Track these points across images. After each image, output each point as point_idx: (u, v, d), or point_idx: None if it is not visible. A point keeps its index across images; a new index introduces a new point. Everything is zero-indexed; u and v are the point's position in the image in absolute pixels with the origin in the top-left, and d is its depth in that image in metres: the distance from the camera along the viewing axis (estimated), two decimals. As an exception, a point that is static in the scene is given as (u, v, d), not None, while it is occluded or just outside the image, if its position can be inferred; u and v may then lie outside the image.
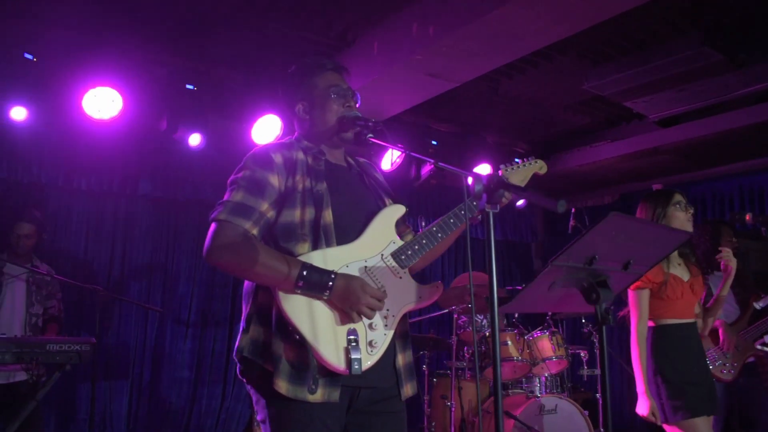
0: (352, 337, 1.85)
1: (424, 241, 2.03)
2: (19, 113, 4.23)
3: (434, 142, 5.87)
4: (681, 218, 3.05)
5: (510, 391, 5.26)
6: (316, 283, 1.82)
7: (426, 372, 5.24)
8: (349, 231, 1.98)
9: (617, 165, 6.02)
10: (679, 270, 3.09)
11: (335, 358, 1.81)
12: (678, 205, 3.06)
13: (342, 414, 1.91)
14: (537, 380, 5.17)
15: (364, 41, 4.23)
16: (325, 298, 1.85)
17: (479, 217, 2.13)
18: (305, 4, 3.88)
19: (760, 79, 4.39)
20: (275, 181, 1.95)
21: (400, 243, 2.03)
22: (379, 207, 2.09)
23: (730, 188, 6.13)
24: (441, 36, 3.59)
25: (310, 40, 4.34)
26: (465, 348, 5.28)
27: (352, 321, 1.87)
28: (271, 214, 1.93)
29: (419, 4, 3.72)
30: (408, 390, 2.04)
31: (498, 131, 6.09)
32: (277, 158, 1.98)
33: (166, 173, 5.30)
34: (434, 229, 2.06)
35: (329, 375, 1.84)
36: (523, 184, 2.33)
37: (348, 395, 1.91)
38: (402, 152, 2.05)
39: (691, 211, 3.09)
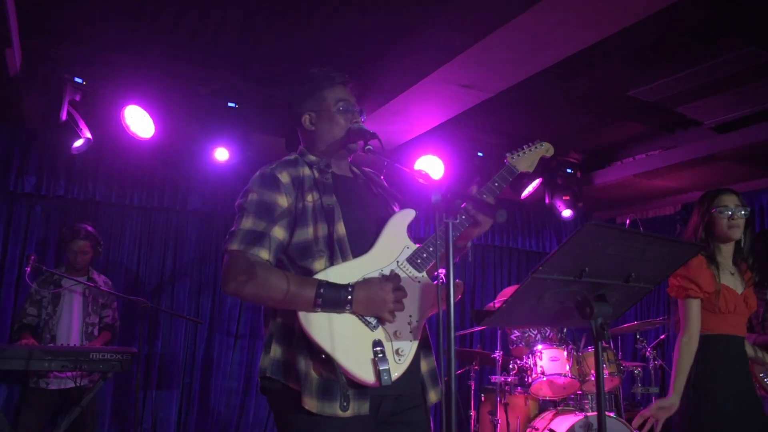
0: (378, 348, 1.84)
1: (438, 242, 1.97)
2: (78, 143, 4.46)
3: (480, 154, 5.79)
4: (722, 225, 2.79)
5: (559, 408, 5.09)
6: (335, 299, 1.82)
7: (473, 387, 5.13)
8: (362, 242, 1.97)
9: (674, 173, 5.75)
10: (731, 280, 2.80)
11: (364, 372, 1.80)
12: (720, 210, 2.78)
13: (370, 425, 1.89)
14: (587, 397, 4.97)
15: (394, 54, 4.24)
16: (348, 311, 1.84)
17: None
18: (336, 19, 3.91)
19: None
20: (284, 201, 1.93)
21: (414, 247, 2.00)
22: (388, 214, 2.08)
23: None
24: (467, 45, 3.54)
25: (341, 56, 4.39)
26: (511, 363, 5.16)
27: (378, 327, 1.87)
28: (283, 236, 1.92)
29: (444, 14, 3.69)
30: (433, 396, 2.02)
31: (547, 141, 5.93)
32: (284, 177, 1.96)
33: (213, 189, 5.47)
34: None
35: (358, 387, 1.82)
36: (531, 169, 2.29)
37: (376, 406, 1.88)
38: (386, 163, 2.01)
39: (739, 215, 2.77)
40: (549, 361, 4.96)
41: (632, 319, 6.29)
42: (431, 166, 5.41)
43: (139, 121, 4.50)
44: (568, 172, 6.13)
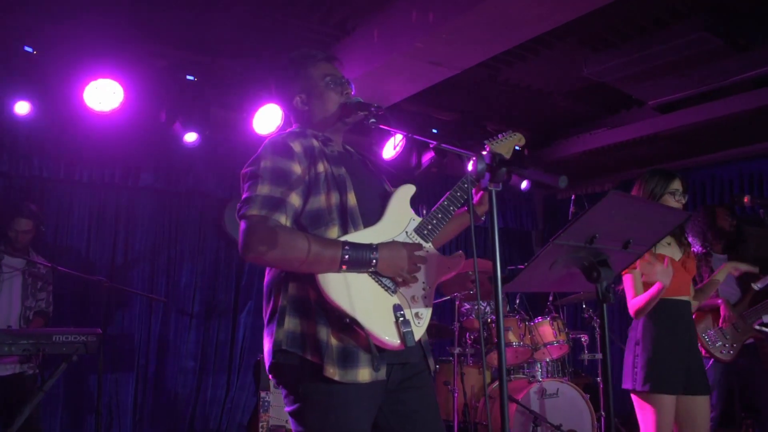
0: (399, 312, 1.89)
1: (440, 215, 2.07)
2: (22, 108, 4.25)
3: (435, 131, 5.90)
4: (671, 205, 3.04)
5: (512, 376, 5.31)
6: (361, 258, 1.85)
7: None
8: (369, 213, 2.01)
9: (616, 152, 6.05)
10: (668, 249, 3.09)
11: (390, 335, 1.85)
12: (673, 195, 3.05)
13: (383, 392, 1.93)
14: (538, 365, 5.23)
15: (364, 30, 4.25)
16: (372, 270, 1.88)
17: (481, 191, 2.20)
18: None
19: (760, 63, 4.41)
20: (298, 169, 1.94)
21: (419, 220, 2.07)
22: (386, 189, 2.15)
23: (729, 174, 6.15)
24: (441, 23, 3.61)
25: (309, 28, 4.36)
26: (467, 334, 5.33)
27: (397, 292, 1.92)
28: (298, 203, 1.93)
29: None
30: (432, 364, 2.09)
31: (498, 119, 6.12)
32: (296, 146, 1.98)
33: (167, 165, 5.33)
34: (445, 203, 2.09)
35: (379, 352, 1.86)
36: (508, 156, 2.36)
37: (387, 373, 1.92)
38: (404, 136, 2.06)
39: (683, 201, 3.09)
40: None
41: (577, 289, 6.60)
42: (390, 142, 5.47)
43: (97, 96, 4.32)
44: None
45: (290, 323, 1.89)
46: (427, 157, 5.56)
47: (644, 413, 2.95)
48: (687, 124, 5.31)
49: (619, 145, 5.81)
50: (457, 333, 5.25)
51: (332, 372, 1.80)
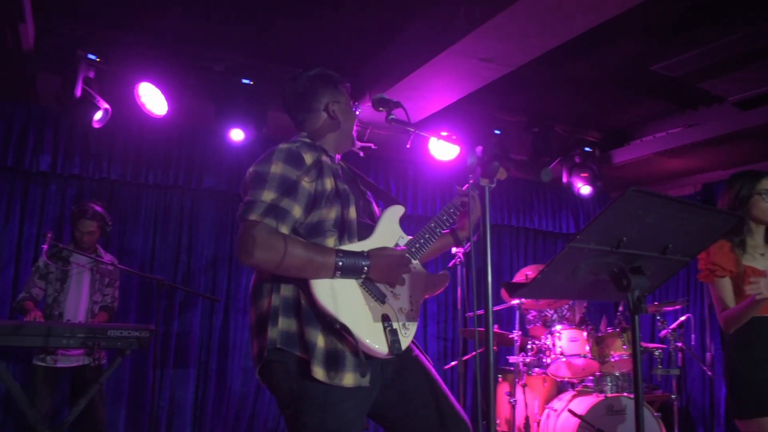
0: (387, 322, 1.98)
1: (427, 236, 2.17)
2: (98, 115, 4.41)
3: (497, 132, 5.71)
4: (762, 208, 2.80)
5: (577, 389, 5.04)
6: (353, 265, 1.94)
7: (481, 370, 5.07)
8: (363, 227, 2.10)
9: (695, 152, 5.64)
10: (762, 261, 2.79)
11: (380, 343, 1.93)
12: (762, 195, 2.79)
13: (375, 389, 1.99)
14: (607, 379, 4.92)
15: (411, 29, 4.16)
16: (364, 276, 1.97)
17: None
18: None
19: None
20: (306, 183, 1.98)
21: (407, 238, 2.17)
22: (373, 208, 2.27)
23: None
24: (488, 17, 3.45)
25: (357, 29, 4.31)
26: (529, 343, 5.11)
27: (385, 303, 2.01)
28: (300, 214, 1.97)
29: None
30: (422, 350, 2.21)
31: (566, 120, 5.85)
32: (308, 158, 2.02)
33: (228, 167, 5.44)
34: (432, 224, 2.19)
35: (366, 359, 1.92)
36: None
37: (378, 371, 2.00)
38: (412, 133, 2.02)
39: None
40: (568, 342, 4.91)
41: (650, 300, 6.21)
42: (446, 145, 5.34)
43: (153, 99, 4.45)
44: (587, 151, 6.04)
45: (284, 323, 1.92)
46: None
47: None
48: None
49: (696, 144, 5.40)
50: (518, 342, 5.05)
51: (319, 373, 1.86)
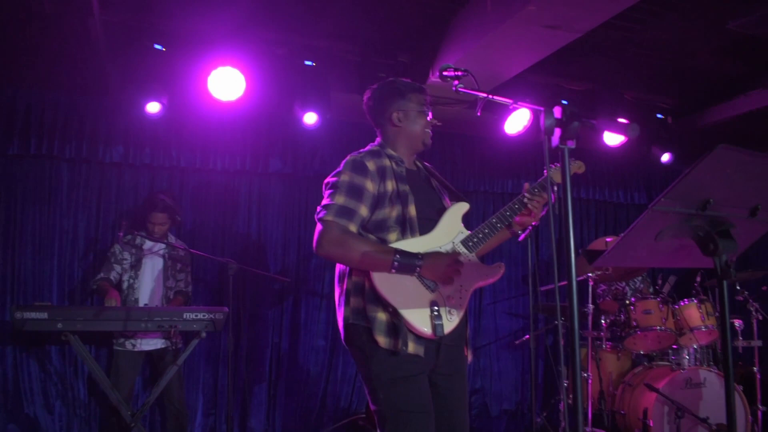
0: (435, 307, 2.29)
1: (486, 230, 2.46)
2: (153, 107, 4.53)
3: (565, 102, 5.55)
4: None
5: (654, 363, 4.92)
6: (407, 264, 2.25)
7: (563, 343, 4.99)
8: (426, 223, 2.41)
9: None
10: None
11: (423, 324, 2.26)
12: None
13: (429, 364, 2.33)
14: (684, 352, 4.77)
15: (474, 2, 4.07)
16: (417, 274, 2.28)
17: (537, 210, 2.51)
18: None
19: None
20: (370, 186, 2.34)
21: (467, 233, 2.46)
22: (444, 204, 2.55)
23: None
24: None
25: (424, 3, 4.26)
26: (602, 317, 5.00)
27: (436, 290, 2.31)
28: (366, 213, 2.34)
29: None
30: (469, 355, 2.53)
31: (636, 86, 5.63)
32: (371, 166, 2.37)
33: (293, 150, 5.50)
34: (494, 220, 2.47)
35: (417, 335, 2.28)
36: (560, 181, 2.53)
37: (433, 349, 2.34)
38: (483, 98, 2.03)
39: None
40: (642, 314, 4.78)
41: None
42: (516, 116, 5.24)
43: (221, 85, 4.51)
44: (659, 118, 5.82)
45: (354, 302, 2.34)
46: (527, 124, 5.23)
47: None
48: None
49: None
50: (590, 315, 4.95)
51: (380, 339, 2.25)
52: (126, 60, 4.46)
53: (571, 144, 1.37)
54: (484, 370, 6.16)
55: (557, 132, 1.35)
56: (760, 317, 5.01)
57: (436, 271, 2.29)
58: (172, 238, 4.65)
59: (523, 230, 2.58)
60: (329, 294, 5.74)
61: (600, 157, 6.34)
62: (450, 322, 2.31)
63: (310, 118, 4.77)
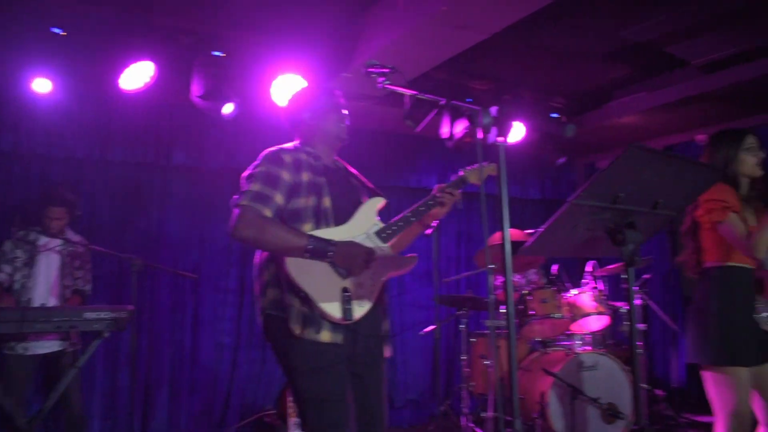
0: (345, 293, 2.35)
1: (401, 224, 2.55)
2: (42, 85, 4.27)
3: (469, 100, 5.73)
4: (750, 163, 2.87)
5: (549, 348, 5.20)
6: (320, 249, 2.32)
7: (464, 332, 5.18)
8: (342, 215, 2.48)
9: (659, 115, 5.80)
10: (746, 213, 2.85)
11: (333, 309, 2.32)
12: (749, 150, 2.88)
13: (346, 353, 2.40)
14: (577, 337, 5.10)
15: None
16: (328, 260, 2.34)
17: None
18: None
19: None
20: (286, 176, 2.42)
21: (381, 225, 2.54)
22: (361, 199, 2.62)
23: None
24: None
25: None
26: (500, 307, 5.23)
27: (348, 278, 2.36)
28: (282, 201, 2.40)
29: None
30: (387, 351, 2.59)
31: (535, 87, 5.91)
32: (287, 158, 2.47)
33: (198, 142, 5.36)
34: (408, 214, 2.58)
35: (333, 321, 2.33)
36: (479, 183, 2.75)
37: (351, 338, 2.41)
38: (411, 96, 2.11)
39: (762, 155, 2.90)
40: (539, 303, 5.05)
41: (616, 260, 6.41)
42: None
43: (126, 73, 4.32)
44: (553, 117, 6.14)
45: (271, 293, 2.42)
46: (461, 126, 5.41)
47: (719, 388, 2.77)
48: (733, 83, 5.02)
49: (660, 108, 5.55)
50: (491, 306, 5.16)
51: (295, 328, 2.31)
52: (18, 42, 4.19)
53: (505, 142, 1.45)
54: (389, 361, 6.27)
55: (494, 130, 1.42)
56: (642, 303, 5.44)
57: (349, 258, 2.35)
58: (70, 234, 4.40)
59: (431, 222, 2.71)
60: (235, 290, 5.65)
61: (497, 153, 6.59)
62: (361, 308, 2.38)
63: (224, 109, 4.67)
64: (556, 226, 1.82)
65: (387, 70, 2.35)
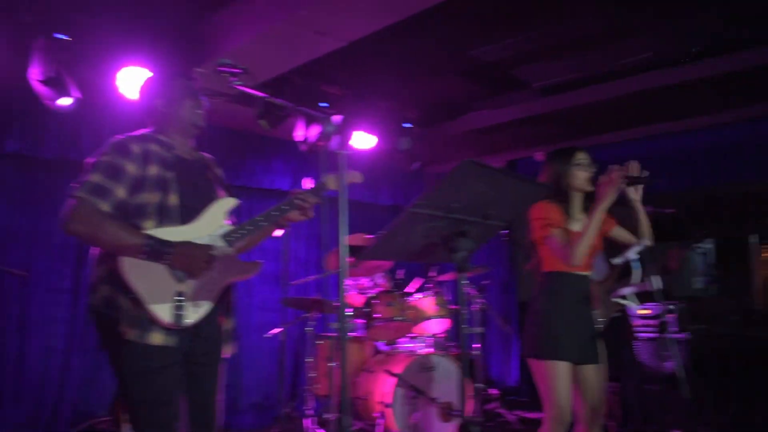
0: (180, 297, 2.27)
1: (250, 227, 2.48)
2: None
3: (326, 105, 5.79)
4: (581, 178, 3.11)
5: (392, 350, 5.37)
6: (157, 250, 2.23)
7: (310, 335, 5.21)
8: (190, 213, 2.39)
9: (503, 132, 6.21)
10: (578, 226, 3.11)
11: (163, 314, 2.24)
12: (579, 165, 3.12)
13: (180, 357, 2.34)
14: (420, 340, 5.32)
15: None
16: (167, 263, 2.25)
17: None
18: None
19: (645, 48, 4.59)
20: (131, 168, 2.31)
21: (229, 228, 2.47)
22: (213, 196, 2.54)
23: (608, 156, 6.44)
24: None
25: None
26: (347, 310, 5.33)
27: (186, 280, 2.29)
28: (123, 195, 2.29)
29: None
30: (228, 349, 2.56)
31: (390, 96, 6.09)
32: (135, 149, 2.35)
33: (33, 130, 4.94)
34: (259, 218, 2.50)
35: (163, 326, 2.26)
36: (339, 189, 2.75)
37: (188, 339, 2.35)
38: (262, 99, 2.13)
39: (593, 170, 3.13)
40: (384, 306, 5.21)
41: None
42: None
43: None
44: (405, 127, 6.35)
45: (103, 290, 2.29)
46: (315, 130, 5.44)
47: (543, 380, 3.02)
48: (567, 107, 5.50)
49: (506, 124, 5.96)
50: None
51: (125, 331, 2.22)
52: None
53: (347, 150, 1.50)
54: (235, 364, 6.16)
55: (335, 139, 1.46)
56: (480, 308, 5.80)
57: (187, 261, 2.27)
58: None
59: (286, 224, 2.68)
60: (70, 289, 5.28)
61: (350, 158, 6.71)
62: (195, 314, 2.31)
63: (62, 99, 4.34)
64: (395, 233, 1.91)
65: (238, 71, 2.33)
